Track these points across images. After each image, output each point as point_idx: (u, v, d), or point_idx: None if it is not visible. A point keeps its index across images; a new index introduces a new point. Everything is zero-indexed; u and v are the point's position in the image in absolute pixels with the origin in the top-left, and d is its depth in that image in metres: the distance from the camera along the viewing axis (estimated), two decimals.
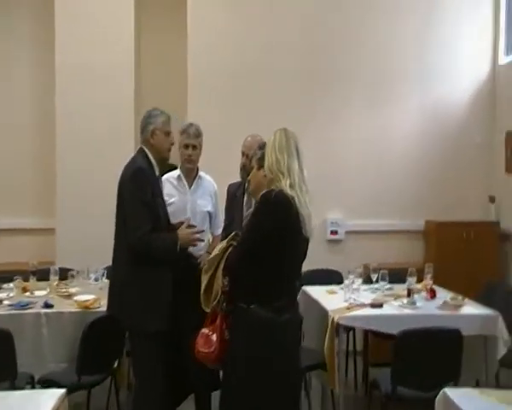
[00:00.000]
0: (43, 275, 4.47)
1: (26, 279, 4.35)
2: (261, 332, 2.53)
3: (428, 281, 4.18)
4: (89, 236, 5.33)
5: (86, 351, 3.35)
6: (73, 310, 3.77)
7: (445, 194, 5.73)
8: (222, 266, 2.65)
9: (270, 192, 2.58)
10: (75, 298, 3.94)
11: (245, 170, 3.63)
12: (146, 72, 5.87)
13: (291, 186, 2.58)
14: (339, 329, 3.62)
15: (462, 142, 5.76)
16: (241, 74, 5.57)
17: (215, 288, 2.65)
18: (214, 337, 2.61)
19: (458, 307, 3.80)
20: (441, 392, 2.47)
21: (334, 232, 5.70)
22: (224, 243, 2.72)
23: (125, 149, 5.42)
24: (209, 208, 3.83)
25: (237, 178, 3.92)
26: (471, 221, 5.53)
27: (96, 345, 3.37)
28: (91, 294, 4.01)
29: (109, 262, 4.47)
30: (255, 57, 5.58)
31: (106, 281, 4.38)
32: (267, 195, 2.58)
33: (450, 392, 2.43)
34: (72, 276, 4.27)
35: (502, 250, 5.44)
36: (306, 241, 2.69)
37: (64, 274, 4.43)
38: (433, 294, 4.05)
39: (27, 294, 4.10)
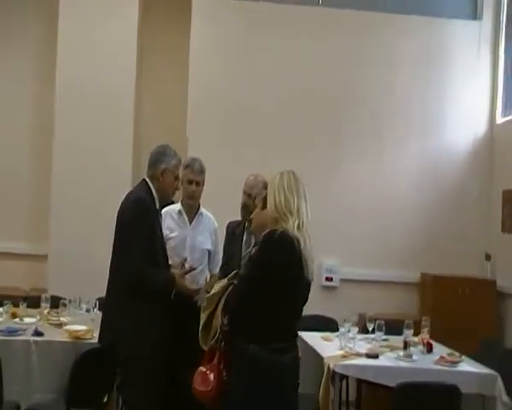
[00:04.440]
0: (33, 302, 4.42)
1: (15, 305, 4.28)
2: (259, 372, 2.47)
3: (425, 334, 4.12)
4: (82, 265, 5.30)
5: (76, 382, 3.23)
6: (64, 340, 3.67)
7: (441, 247, 5.72)
8: (222, 304, 2.61)
9: (273, 232, 2.57)
10: (66, 327, 3.86)
11: (246, 209, 3.61)
12: (146, 101, 5.93)
13: (298, 227, 2.57)
14: (334, 376, 3.57)
15: (459, 197, 5.79)
16: (242, 113, 5.61)
17: (214, 326, 2.61)
18: (212, 376, 2.55)
19: (456, 363, 3.75)
20: None
21: (329, 279, 5.66)
22: (225, 281, 2.69)
23: (122, 178, 5.46)
24: (208, 246, 3.81)
25: (231, 216, 3.89)
26: (467, 277, 5.52)
27: (87, 377, 3.27)
28: (83, 324, 3.93)
29: (101, 293, 4.46)
30: (257, 97, 5.62)
31: (98, 312, 4.28)
32: (270, 234, 2.56)
33: None
34: (64, 305, 4.17)
35: (497, 308, 5.40)
36: (308, 284, 2.67)
37: (55, 302, 4.35)
38: (429, 347, 4.01)
39: (17, 320, 4.01)
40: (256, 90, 5.64)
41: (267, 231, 2.60)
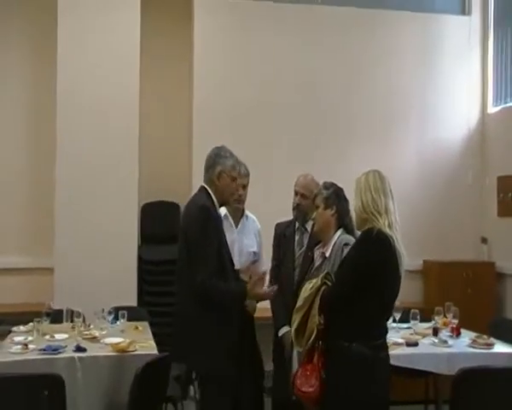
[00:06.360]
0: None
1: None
2: (364, 370, 2.52)
3: (452, 320, 4.26)
4: (89, 277, 5.17)
5: (137, 396, 3.18)
6: (108, 354, 3.56)
7: (439, 234, 5.94)
8: (317, 304, 2.62)
9: (370, 230, 2.61)
10: (106, 341, 3.75)
11: (299, 209, 3.62)
12: (149, 109, 5.75)
13: (389, 226, 2.62)
14: None
15: (454, 185, 6.03)
16: (247, 113, 5.66)
17: (309, 326, 2.62)
18: (314, 377, 2.56)
19: (490, 345, 3.87)
20: None
21: None
22: (318, 281, 2.69)
23: (127, 188, 5.36)
24: (255, 248, 3.79)
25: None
26: (467, 261, 5.75)
27: (146, 389, 3.21)
28: (116, 336, 3.84)
29: (113, 303, 4.36)
30: (257, 96, 5.68)
31: (126, 322, 4.20)
32: (368, 232, 2.60)
33: None
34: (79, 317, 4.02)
35: (497, 289, 5.66)
36: (400, 280, 2.72)
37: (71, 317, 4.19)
38: (458, 332, 4.13)
39: (47, 337, 3.85)
40: (258, 90, 5.67)
41: (364, 229, 2.64)
